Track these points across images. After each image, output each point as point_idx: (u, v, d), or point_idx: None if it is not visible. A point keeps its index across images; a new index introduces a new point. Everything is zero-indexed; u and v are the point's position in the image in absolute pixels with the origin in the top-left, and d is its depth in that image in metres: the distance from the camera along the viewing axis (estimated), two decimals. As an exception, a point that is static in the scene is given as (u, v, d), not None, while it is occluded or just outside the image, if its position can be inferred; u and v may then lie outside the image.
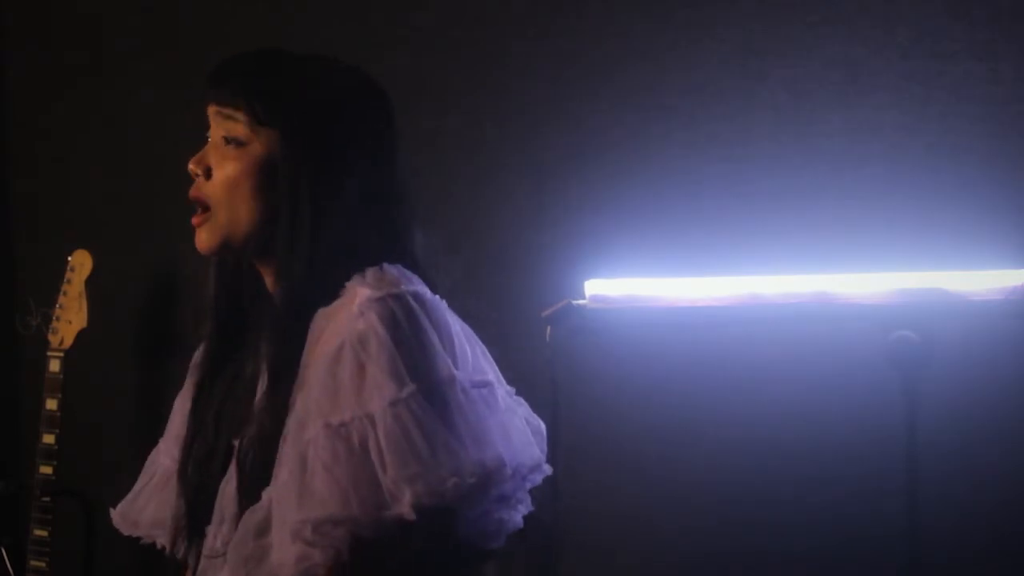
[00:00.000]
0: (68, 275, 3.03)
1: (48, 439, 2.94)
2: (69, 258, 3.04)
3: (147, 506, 1.80)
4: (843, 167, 2.49)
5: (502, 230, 2.76)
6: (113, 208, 3.34)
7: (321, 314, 1.60)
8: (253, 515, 1.57)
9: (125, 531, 1.82)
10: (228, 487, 1.65)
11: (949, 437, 2.36)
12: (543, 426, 1.70)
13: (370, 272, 1.60)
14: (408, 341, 1.52)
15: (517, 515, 1.62)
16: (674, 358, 2.56)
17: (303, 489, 1.50)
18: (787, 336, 2.45)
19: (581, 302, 2.45)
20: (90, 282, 3.02)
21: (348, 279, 1.60)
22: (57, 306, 3.02)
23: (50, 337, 3.01)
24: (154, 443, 1.85)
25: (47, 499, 2.93)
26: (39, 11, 3.45)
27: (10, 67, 3.50)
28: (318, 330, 1.59)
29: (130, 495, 1.85)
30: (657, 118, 2.63)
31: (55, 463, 2.93)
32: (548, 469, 1.63)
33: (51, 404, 2.95)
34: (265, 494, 1.56)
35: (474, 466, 1.49)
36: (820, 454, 2.46)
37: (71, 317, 3.00)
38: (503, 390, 1.65)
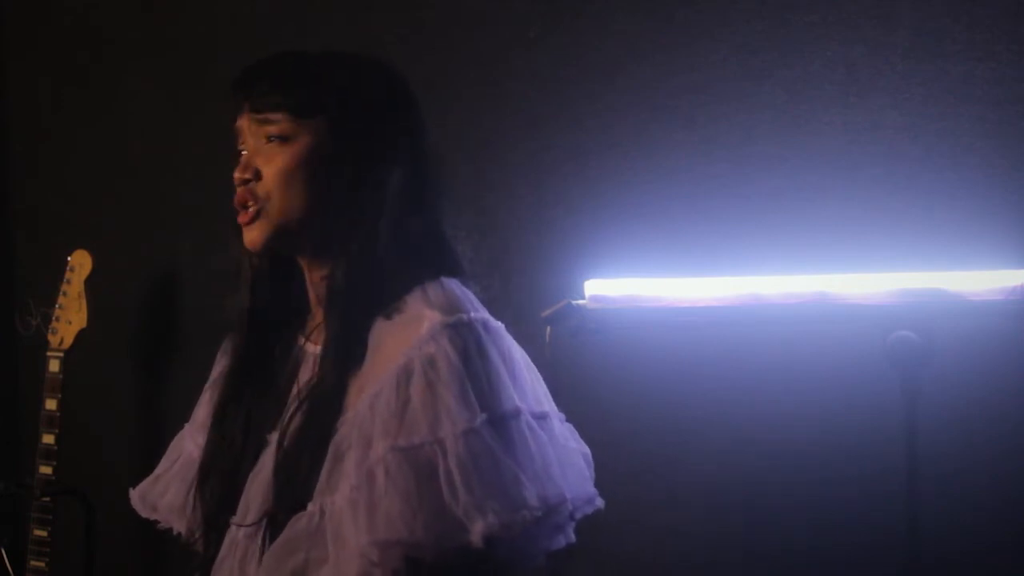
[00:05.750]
0: (68, 275, 3.03)
1: (48, 439, 2.94)
2: (69, 258, 3.04)
3: (167, 491, 1.81)
4: (843, 167, 2.49)
5: (502, 230, 2.76)
6: (113, 208, 3.34)
7: (382, 326, 1.61)
8: (300, 523, 1.56)
9: (143, 513, 1.83)
10: (258, 477, 1.65)
11: (949, 437, 2.35)
12: (589, 452, 1.73)
13: (432, 290, 1.62)
14: (479, 371, 1.55)
15: (560, 542, 1.63)
16: (674, 358, 2.56)
17: (371, 509, 1.51)
18: (787, 336, 2.45)
19: (581, 302, 2.45)
20: (90, 282, 3.02)
21: (407, 290, 1.62)
22: (57, 306, 3.02)
23: (50, 337, 3.01)
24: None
25: (47, 499, 2.93)
26: (39, 11, 3.45)
27: (10, 67, 3.50)
28: (378, 339, 1.60)
29: (151, 477, 1.85)
30: (657, 118, 2.63)
31: (55, 463, 2.93)
32: (600, 503, 1.66)
33: (51, 404, 2.95)
34: (316, 503, 1.56)
35: (538, 500, 1.53)
36: (820, 454, 2.45)
37: (71, 317, 3.00)
38: (557, 418, 1.68)
